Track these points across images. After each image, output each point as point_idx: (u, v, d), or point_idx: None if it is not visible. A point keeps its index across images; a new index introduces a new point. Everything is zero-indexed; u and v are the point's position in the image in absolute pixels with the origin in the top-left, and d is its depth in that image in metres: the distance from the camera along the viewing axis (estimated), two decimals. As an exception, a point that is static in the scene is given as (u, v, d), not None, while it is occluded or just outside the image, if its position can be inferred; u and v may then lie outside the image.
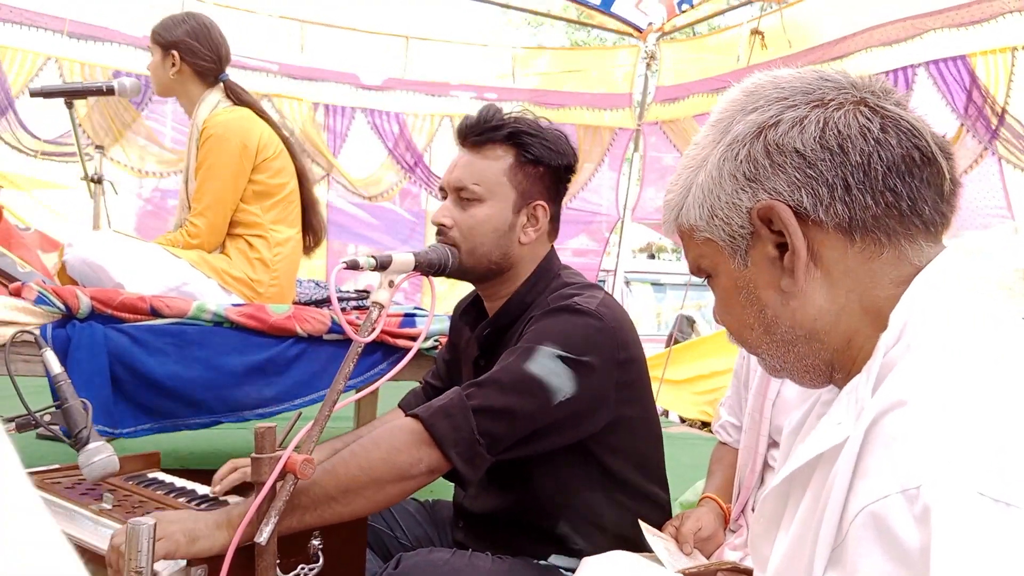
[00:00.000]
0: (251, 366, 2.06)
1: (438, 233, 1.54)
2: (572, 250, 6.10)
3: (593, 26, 6.32)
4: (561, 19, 6.24)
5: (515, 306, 1.55)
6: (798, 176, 0.73)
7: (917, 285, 0.71)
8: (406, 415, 1.35)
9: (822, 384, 0.82)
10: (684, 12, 5.20)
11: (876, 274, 0.73)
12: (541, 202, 1.56)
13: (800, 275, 0.74)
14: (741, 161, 0.75)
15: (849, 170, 0.72)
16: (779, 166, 0.73)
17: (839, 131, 0.72)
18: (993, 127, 3.57)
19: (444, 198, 1.57)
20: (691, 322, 7.01)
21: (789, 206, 0.73)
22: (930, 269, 0.72)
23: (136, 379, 1.94)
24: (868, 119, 0.72)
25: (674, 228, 0.85)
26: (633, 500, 1.53)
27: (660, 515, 1.57)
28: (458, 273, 1.54)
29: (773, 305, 0.77)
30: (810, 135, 0.72)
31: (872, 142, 0.71)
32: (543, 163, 1.55)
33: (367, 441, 1.32)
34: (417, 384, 1.89)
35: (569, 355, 1.37)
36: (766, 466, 1.58)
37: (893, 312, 0.71)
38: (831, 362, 0.78)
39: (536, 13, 6.08)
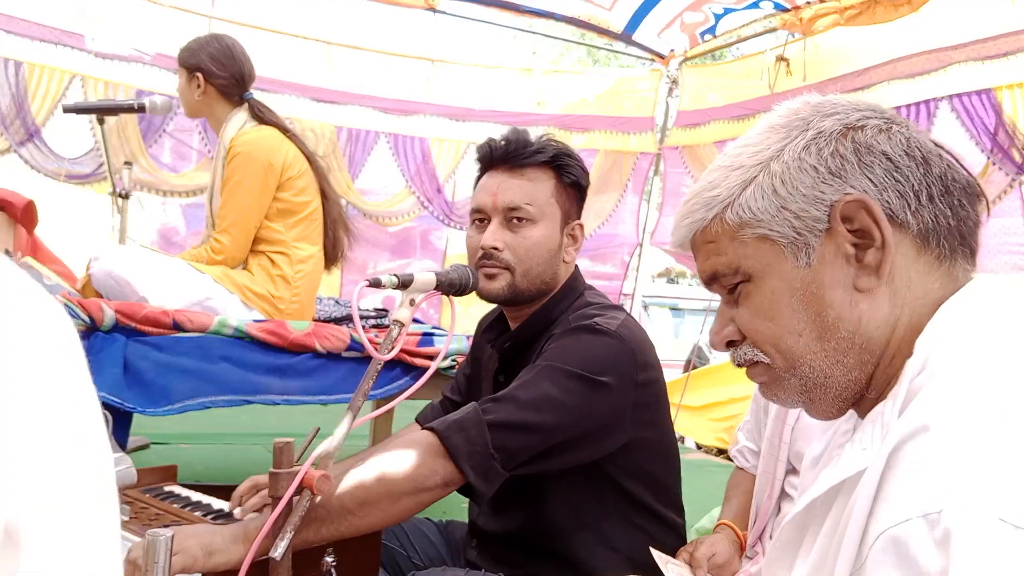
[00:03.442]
0: (273, 367, 2.08)
1: (486, 257, 1.51)
2: (592, 273, 6.10)
3: (615, 51, 6.36)
4: (584, 44, 6.29)
5: (538, 321, 1.55)
6: (885, 179, 0.73)
7: (943, 313, 0.71)
8: (423, 428, 1.36)
9: (839, 413, 0.80)
10: (707, 41, 5.23)
11: (928, 292, 0.74)
12: (579, 221, 1.61)
13: (885, 271, 0.73)
14: (827, 156, 0.75)
15: (932, 180, 0.73)
16: (867, 165, 0.74)
17: (921, 144, 0.74)
18: (1019, 162, 3.54)
19: (481, 222, 1.55)
20: (710, 349, 6.97)
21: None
22: (956, 298, 0.72)
23: (158, 367, 1.96)
24: (935, 144, 0.75)
25: (700, 228, 0.80)
26: (648, 523, 1.52)
27: (675, 540, 1.56)
28: (508, 297, 1.53)
29: (838, 306, 0.75)
30: (897, 142, 0.74)
31: (945, 163, 0.74)
32: (578, 184, 1.59)
33: (384, 453, 1.33)
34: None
35: (587, 374, 1.38)
36: (783, 493, 1.57)
37: (919, 339, 0.71)
38: (871, 378, 0.76)
39: (559, 39, 6.13)
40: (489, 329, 1.71)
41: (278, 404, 2.09)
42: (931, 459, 0.59)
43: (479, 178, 1.60)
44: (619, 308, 1.56)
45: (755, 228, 0.76)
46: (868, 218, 0.73)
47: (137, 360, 1.95)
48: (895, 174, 0.73)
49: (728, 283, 0.80)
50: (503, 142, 1.55)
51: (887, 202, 0.73)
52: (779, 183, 0.75)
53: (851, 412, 0.84)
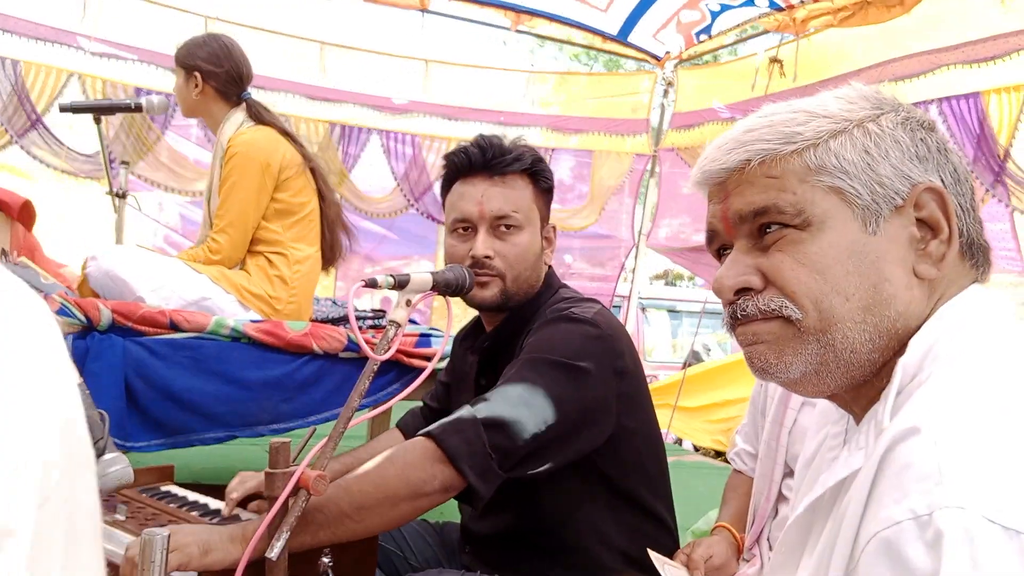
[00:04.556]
0: (267, 381, 2.08)
1: (476, 266, 1.51)
2: (588, 275, 6.11)
3: (611, 52, 6.37)
4: (580, 46, 6.30)
5: (515, 320, 1.58)
6: (954, 184, 0.75)
7: (939, 315, 0.72)
8: (418, 435, 1.36)
9: (829, 393, 0.78)
10: (702, 42, 5.23)
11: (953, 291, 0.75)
12: (553, 224, 1.65)
13: (946, 265, 0.74)
14: (918, 141, 0.75)
15: (972, 196, 0.77)
16: (943, 165, 0.76)
17: (963, 160, 0.78)
18: (996, 172, 3.57)
19: (466, 231, 1.56)
20: (707, 350, 6.98)
21: None
22: (954, 301, 0.73)
23: (152, 391, 1.96)
24: None
25: (767, 158, 0.76)
26: (638, 518, 1.53)
27: (665, 534, 1.57)
28: (500, 303, 1.54)
29: (896, 283, 0.73)
30: (959, 156, 0.77)
31: (970, 182, 0.79)
32: (550, 189, 1.64)
33: (381, 459, 1.32)
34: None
35: (569, 361, 1.39)
36: (780, 496, 1.57)
37: (913, 338, 0.71)
38: (881, 367, 0.74)
39: (554, 40, 6.13)
40: (466, 337, 1.73)
41: (263, 435, 2.09)
42: (921, 461, 0.59)
43: (450, 184, 1.61)
44: (593, 300, 1.58)
45: (833, 177, 0.74)
46: (940, 210, 0.74)
47: (136, 382, 1.95)
48: (959, 185, 0.76)
49: (775, 221, 0.75)
50: (479, 149, 1.56)
51: (954, 204, 0.75)
52: (872, 144, 0.74)
53: (841, 413, 0.84)
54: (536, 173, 1.58)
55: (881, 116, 0.76)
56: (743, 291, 0.77)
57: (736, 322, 0.78)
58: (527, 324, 1.54)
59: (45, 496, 0.43)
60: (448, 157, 1.61)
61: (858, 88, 0.79)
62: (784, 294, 0.74)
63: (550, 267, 1.66)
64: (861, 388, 0.76)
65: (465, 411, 1.35)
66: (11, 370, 0.43)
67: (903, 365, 0.70)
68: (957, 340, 0.69)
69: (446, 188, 1.62)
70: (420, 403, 1.92)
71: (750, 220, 0.77)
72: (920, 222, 0.74)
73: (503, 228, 1.54)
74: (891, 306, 0.73)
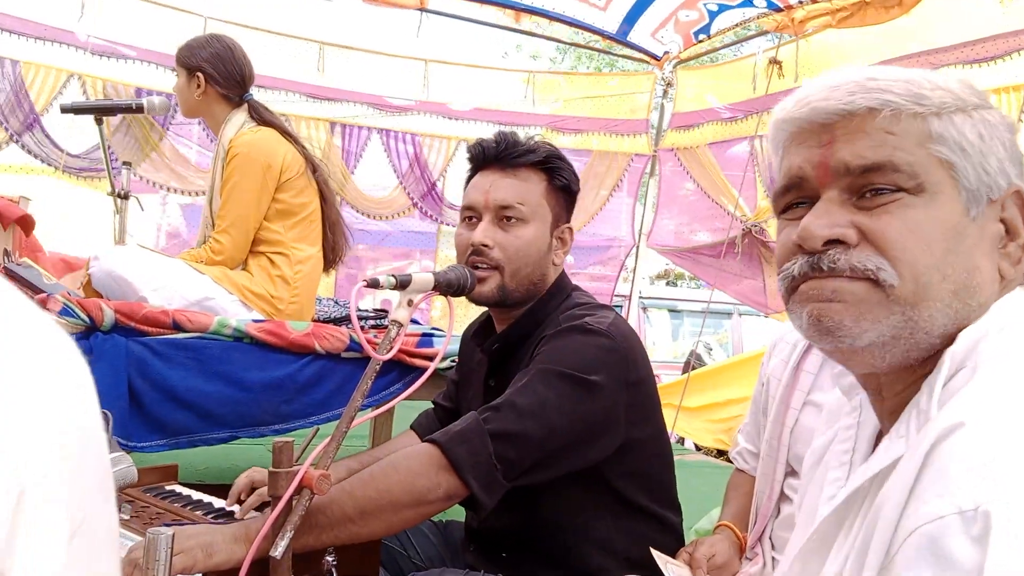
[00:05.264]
0: (270, 382, 2.08)
1: (475, 254, 1.51)
2: (588, 275, 6.11)
3: (610, 53, 6.38)
4: (578, 46, 6.30)
5: (527, 322, 1.56)
6: None
7: (991, 311, 0.71)
8: (424, 440, 1.35)
9: (885, 365, 0.73)
10: (701, 41, 5.24)
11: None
12: (569, 225, 1.62)
13: (1021, 267, 0.73)
14: (1013, 143, 0.75)
15: None
16: (1022, 173, 0.75)
17: None
18: None
19: (471, 220, 1.56)
20: (709, 350, 6.98)
21: None
22: (1006, 299, 0.73)
23: (155, 391, 1.96)
24: None
25: (893, 111, 0.72)
26: (643, 524, 1.52)
27: (671, 539, 1.57)
28: (498, 299, 1.53)
29: (984, 275, 0.71)
30: None
31: None
32: (568, 188, 1.60)
33: (386, 464, 1.32)
34: (431, 404, 1.90)
35: (581, 375, 1.38)
36: (783, 495, 1.57)
37: (964, 331, 0.70)
38: (937, 352, 0.71)
39: (553, 40, 6.14)
40: (477, 334, 1.71)
41: (265, 436, 2.09)
42: (966, 456, 0.58)
43: (470, 178, 1.61)
44: (608, 308, 1.57)
45: (951, 151, 0.71)
46: (1020, 215, 0.73)
47: (139, 383, 1.95)
48: None
49: (888, 181, 0.71)
50: (494, 142, 1.56)
51: None
52: (985, 132, 0.73)
53: (852, 406, 0.83)
54: (551, 169, 1.56)
55: (990, 110, 0.75)
56: (833, 243, 0.73)
57: (816, 274, 0.73)
58: (538, 328, 1.53)
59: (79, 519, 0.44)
60: (468, 150, 1.62)
61: (953, 76, 0.78)
62: (886, 256, 0.70)
63: (563, 270, 1.63)
64: (903, 371, 0.74)
65: (473, 420, 1.34)
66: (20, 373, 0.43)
67: (951, 355, 0.68)
68: (1007, 336, 0.68)
69: (467, 182, 1.62)
70: (423, 403, 1.92)
71: (856, 174, 0.72)
72: (1000, 222, 0.74)
73: (506, 219, 1.52)
74: (975, 296, 0.71)
